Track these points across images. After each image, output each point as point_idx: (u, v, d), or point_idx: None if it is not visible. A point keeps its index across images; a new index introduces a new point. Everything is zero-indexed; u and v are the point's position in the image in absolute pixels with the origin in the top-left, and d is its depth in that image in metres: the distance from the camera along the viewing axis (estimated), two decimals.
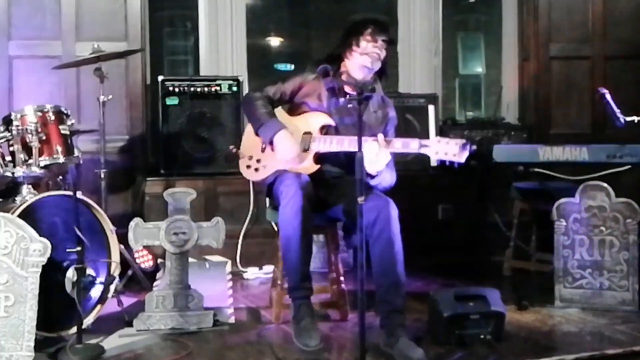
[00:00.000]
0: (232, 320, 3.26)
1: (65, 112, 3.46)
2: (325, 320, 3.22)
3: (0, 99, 4.40)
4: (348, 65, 3.16)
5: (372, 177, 2.92)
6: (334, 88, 3.16)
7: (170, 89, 4.57)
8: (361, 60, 3.11)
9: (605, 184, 3.47)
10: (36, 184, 3.33)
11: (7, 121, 3.28)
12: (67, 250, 2.82)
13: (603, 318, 3.29)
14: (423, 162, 4.68)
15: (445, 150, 2.71)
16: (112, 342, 2.91)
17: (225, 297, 3.67)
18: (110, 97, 3.91)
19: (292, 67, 5.84)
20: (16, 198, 3.11)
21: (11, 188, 3.21)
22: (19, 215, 2.76)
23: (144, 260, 4.02)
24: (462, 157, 2.70)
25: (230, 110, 4.60)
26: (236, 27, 5.13)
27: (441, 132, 4.82)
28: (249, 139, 3.28)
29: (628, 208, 3.42)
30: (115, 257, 3.18)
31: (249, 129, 3.29)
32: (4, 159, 3.22)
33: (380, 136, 2.87)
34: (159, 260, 4.01)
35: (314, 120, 3.15)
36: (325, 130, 3.14)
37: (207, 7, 5.09)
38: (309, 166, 3.07)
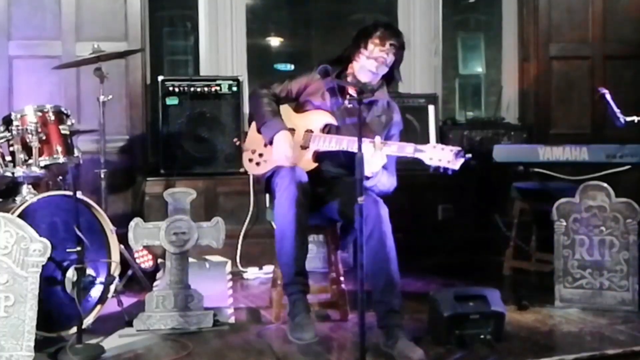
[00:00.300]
0: (232, 320, 3.26)
1: (65, 112, 3.45)
2: (325, 320, 3.23)
3: (0, 99, 4.40)
4: (355, 67, 3.16)
5: (367, 178, 2.92)
6: (333, 88, 3.18)
7: (170, 89, 4.57)
8: (367, 64, 3.11)
9: (605, 184, 3.47)
10: (36, 184, 3.33)
11: (7, 121, 3.28)
12: (67, 250, 2.82)
13: (603, 318, 3.29)
14: (423, 162, 4.68)
15: (440, 156, 2.72)
16: (112, 342, 2.91)
17: (225, 297, 3.67)
18: (110, 97, 3.91)
19: (292, 67, 5.84)
20: (16, 198, 3.11)
21: (11, 188, 3.21)
22: (19, 215, 2.76)
23: (144, 260, 4.03)
24: (456, 165, 2.71)
25: (230, 110, 4.60)
26: (236, 27, 5.13)
27: (441, 132, 4.83)
28: (254, 134, 3.30)
29: (628, 208, 3.42)
30: (115, 257, 3.18)
31: (254, 125, 3.32)
32: (4, 159, 3.22)
33: (377, 138, 2.88)
34: (159, 260, 4.01)
35: (317, 118, 3.18)
36: (327, 129, 3.16)
37: (207, 7, 5.09)
38: (307, 164, 3.09)
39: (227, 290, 3.80)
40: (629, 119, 3.53)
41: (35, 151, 3.21)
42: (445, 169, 2.73)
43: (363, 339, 2.46)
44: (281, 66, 5.90)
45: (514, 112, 5.34)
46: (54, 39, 4.52)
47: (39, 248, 2.58)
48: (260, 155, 3.24)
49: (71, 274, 2.85)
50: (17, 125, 3.22)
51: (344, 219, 3.13)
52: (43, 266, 2.59)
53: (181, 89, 4.57)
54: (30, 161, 3.21)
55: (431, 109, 4.75)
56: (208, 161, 4.56)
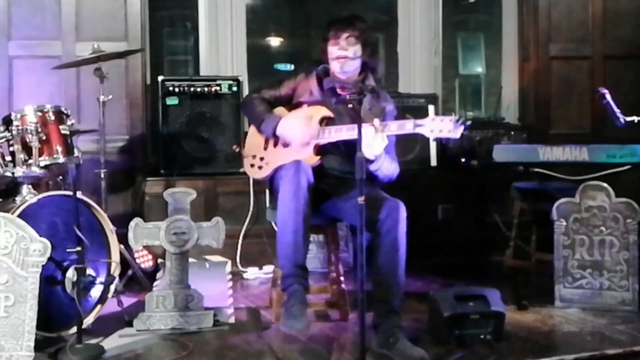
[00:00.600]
0: (232, 320, 3.26)
1: (65, 112, 3.45)
2: (325, 320, 3.23)
3: (0, 99, 4.40)
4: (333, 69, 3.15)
5: (371, 162, 2.92)
6: (334, 88, 3.16)
7: (170, 89, 4.57)
8: (334, 66, 3.12)
9: (605, 184, 3.47)
10: (36, 184, 3.33)
11: (7, 121, 3.28)
12: (67, 250, 2.82)
13: (603, 318, 3.29)
14: (423, 162, 4.69)
15: (440, 127, 2.71)
16: (112, 342, 2.91)
17: (225, 297, 3.67)
18: (110, 97, 3.91)
19: (292, 67, 5.84)
20: (16, 198, 3.11)
21: (11, 188, 3.21)
22: (19, 215, 2.76)
23: (144, 260, 4.02)
24: (457, 133, 2.71)
25: (230, 110, 4.60)
26: (236, 27, 5.13)
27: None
28: (252, 139, 3.32)
29: (628, 208, 3.42)
30: (115, 257, 3.18)
31: (252, 130, 3.34)
32: (4, 159, 3.22)
33: (376, 120, 2.87)
34: (159, 260, 4.01)
35: (314, 112, 3.15)
36: (325, 122, 3.14)
37: (207, 7, 5.10)
38: (310, 159, 3.08)
39: (227, 290, 3.80)
40: (629, 119, 3.53)
41: (35, 151, 3.21)
42: (447, 139, 2.74)
43: (363, 339, 2.46)
44: (281, 66, 5.91)
45: (514, 112, 5.34)
46: (54, 39, 4.52)
47: (39, 248, 2.58)
48: (262, 158, 3.24)
49: (71, 274, 2.85)
50: (17, 125, 3.22)
51: (354, 234, 3.13)
52: (43, 266, 2.59)
53: (181, 89, 4.57)
54: (30, 161, 3.21)
55: (431, 109, 4.75)
56: (208, 161, 4.56)
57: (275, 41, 6.08)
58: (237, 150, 3.35)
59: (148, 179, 4.54)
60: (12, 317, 2.54)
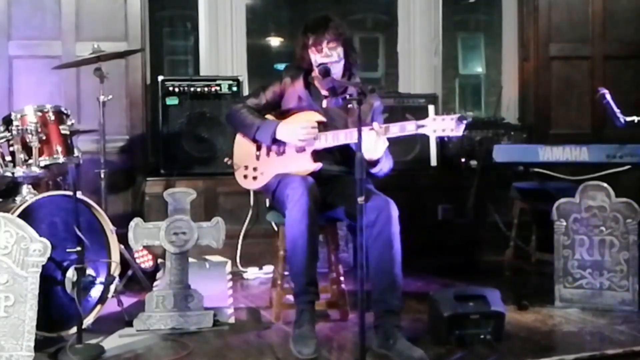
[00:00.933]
0: (232, 320, 3.26)
1: (65, 112, 3.45)
2: (325, 320, 3.22)
3: (0, 99, 4.40)
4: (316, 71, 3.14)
5: (373, 165, 2.92)
6: (334, 88, 3.16)
7: (170, 89, 4.57)
8: (317, 72, 3.09)
9: (605, 184, 3.47)
10: (36, 184, 3.33)
11: (7, 121, 3.28)
12: (67, 250, 2.82)
13: (603, 318, 3.29)
14: (423, 162, 4.69)
15: (442, 126, 2.70)
16: (112, 342, 2.91)
17: (225, 297, 3.67)
18: (110, 97, 3.91)
19: None
20: (16, 198, 3.11)
21: (11, 188, 3.21)
22: (19, 215, 2.76)
23: (144, 260, 4.02)
24: (459, 131, 2.70)
25: None
26: (236, 27, 5.13)
27: None
28: (241, 150, 3.28)
29: (628, 208, 3.42)
30: (115, 257, 3.18)
31: (238, 140, 3.30)
32: (4, 159, 3.22)
33: (375, 124, 2.87)
34: (159, 260, 4.01)
35: (307, 118, 3.13)
36: (319, 127, 3.11)
37: (207, 7, 5.10)
38: (309, 166, 3.07)
39: (227, 290, 3.80)
40: (629, 119, 3.53)
41: (35, 151, 3.21)
42: (450, 137, 2.74)
43: (363, 339, 2.46)
44: (281, 66, 5.91)
45: (514, 112, 5.34)
46: (54, 39, 4.53)
47: (39, 248, 2.58)
48: (255, 169, 3.21)
49: (71, 274, 2.85)
50: (17, 125, 3.22)
51: (351, 220, 3.11)
52: (43, 266, 2.59)
53: (181, 89, 4.57)
54: (30, 161, 3.21)
55: (431, 109, 4.75)
56: (208, 161, 4.55)
57: (275, 41, 6.09)
58: (230, 162, 3.31)
59: (148, 179, 4.54)
60: (12, 317, 2.54)
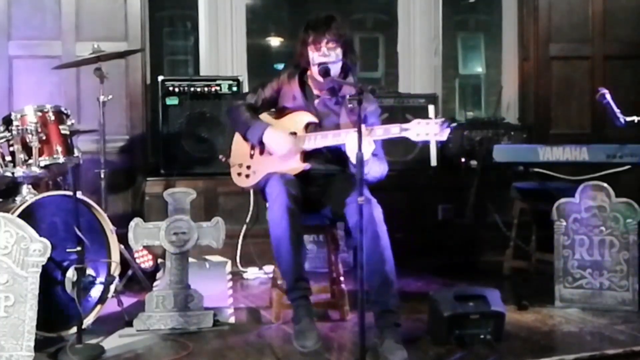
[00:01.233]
0: (232, 320, 3.26)
1: (65, 112, 3.45)
2: (325, 320, 3.22)
3: (0, 99, 4.40)
4: (312, 71, 3.14)
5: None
6: (333, 88, 3.16)
7: (170, 89, 4.57)
8: (315, 71, 3.10)
9: (605, 184, 3.47)
10: (36, 184, 3.33)
11: (7, 121, 3.28)
12: (67, 250, 2.82)
13: (603, 318, 3.29)
14: (423, 162, 4.68)
15: (426, 130, 2.71)
16: (112, 342, 2.91)
17: (225, 297, 3.67)
18: (110, 97, 3.91)
19: None
20: (16, 198, 3.11)
21: (11, 188, 3.21)
22: (19, 215, 2.76)
23: (144, 260, 4.02)
24: (443, 136, 2.71)
25: None
26: (236, 27, 5.13)
27: None
28: (238, 148, 3.30)
29: (628, 208, 3.42)
30: (115, 257, 3.18)
31: (236, 138, 3.31)
32: (4, 159, 3.22)
33: (362, 126, 2.86)
34: (159, 260, 4.01)
35: (297, 119, 3.16)
36: (310, 127, 3.14)
37: (207, 7, 5.10)
38: (298, 166, 3.08)
39: (227, 290, 3.80)
40: (629, 119, 3.53)
41: (35, 151, 3.21)
42: (440, 142, 2.74)
43: (363, 339, 2.46)
44: (281, 66, 5.91)
45: (514, 112, 5.34)
46: (54, 39, 4.53)
47: (39, 248, 2.58)
48: (248, 167, 3.23)
49: (71, 274, 2.85)
50: (17, 125, 3.22)
51: (337, 219, 3.12)
52: (43, 266, 2.59)
53: (181, 89, 4.57)
54: (30, 161, 3.21)
55: (431, 109, 4.75)
56: (208, 161, 4.55)
57: (275, 41, 6.09)
58: (224, 160, 3.32)
59: (148, 179, 4.54)
60: (12, 317, 2.54)
